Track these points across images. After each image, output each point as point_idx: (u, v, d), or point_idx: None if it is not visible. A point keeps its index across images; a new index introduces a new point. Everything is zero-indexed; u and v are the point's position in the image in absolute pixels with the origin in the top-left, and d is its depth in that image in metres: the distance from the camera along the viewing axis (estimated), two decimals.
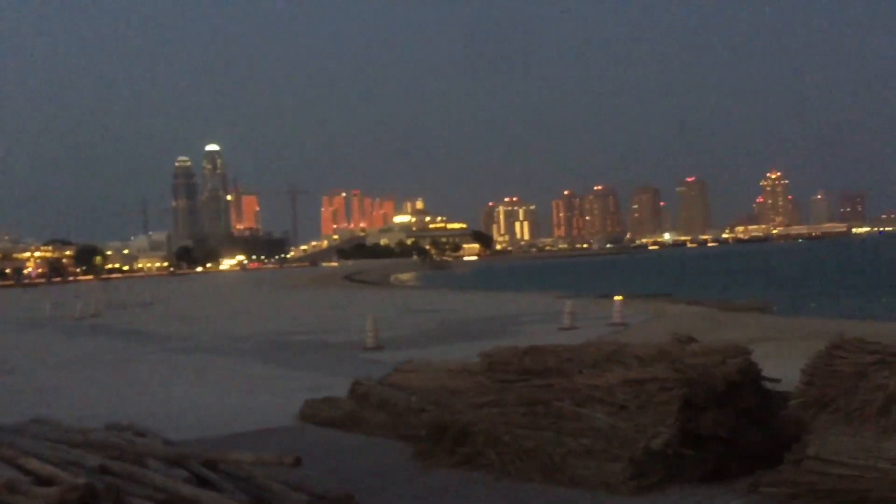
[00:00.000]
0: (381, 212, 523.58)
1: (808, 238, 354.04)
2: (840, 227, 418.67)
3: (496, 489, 7.38)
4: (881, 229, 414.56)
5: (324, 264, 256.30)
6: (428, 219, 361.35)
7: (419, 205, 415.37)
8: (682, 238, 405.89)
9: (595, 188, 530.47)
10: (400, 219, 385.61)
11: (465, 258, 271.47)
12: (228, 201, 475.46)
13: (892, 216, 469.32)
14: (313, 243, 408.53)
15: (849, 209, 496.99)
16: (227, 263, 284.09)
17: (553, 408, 7.97)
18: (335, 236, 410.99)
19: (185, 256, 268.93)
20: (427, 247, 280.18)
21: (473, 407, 8.61)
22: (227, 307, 46.60)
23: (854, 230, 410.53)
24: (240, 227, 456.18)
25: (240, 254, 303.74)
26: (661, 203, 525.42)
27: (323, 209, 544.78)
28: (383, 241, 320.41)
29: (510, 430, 7.94)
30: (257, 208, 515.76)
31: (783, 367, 8.58)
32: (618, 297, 26.77)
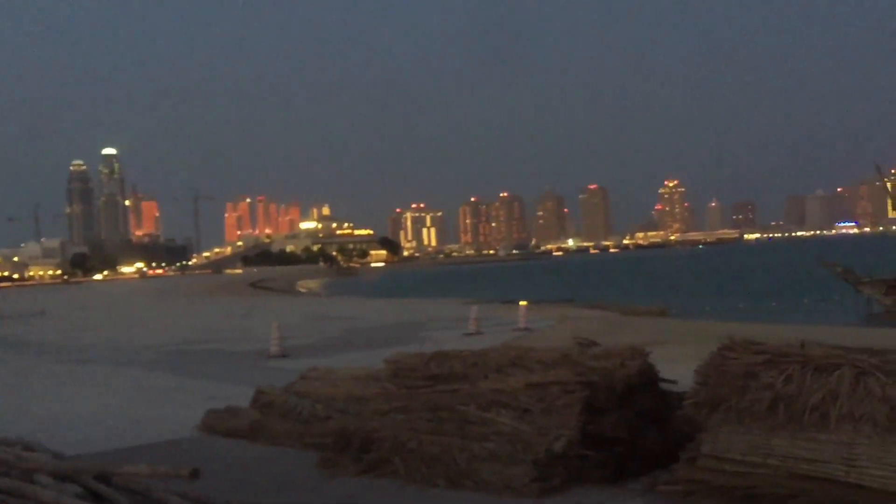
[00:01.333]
0: (287, 218, 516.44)
1: (707, 244, 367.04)
2: (733, 234, 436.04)
3: (402, 496, 7.38)
4: (770, 236, 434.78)
5: (227, 271, 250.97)
6: (335, 225, 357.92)
7: (326, 211, 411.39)
8: (586, 244, 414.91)
9: (501, 195, 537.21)
10: (306, 225, 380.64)
11: (373, 265, 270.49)
12: (127, 207, 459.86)
13: (780, 223, 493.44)
14: (217, 250, 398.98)
15: (740, 216, 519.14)
16: (126, 271, 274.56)
17: (458, 413, 8.03)
18: (239, 243, 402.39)
19: (81, 264, 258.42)
20: (334, 253, 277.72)
21: (379, 414, 8.59)
22: (126, 316, 45.07)
23: (745, 236, 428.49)
24: (139, 233, 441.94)
25: (139, 261, 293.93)
26: (565, 210, 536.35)
27: (227, 215, 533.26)
28: (289, 248, 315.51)
29: (416, 436, 7.95)
30: (157, 214, 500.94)
31: (679, 368, 8.86)
32: (522, 303, 27.22)
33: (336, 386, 10.58)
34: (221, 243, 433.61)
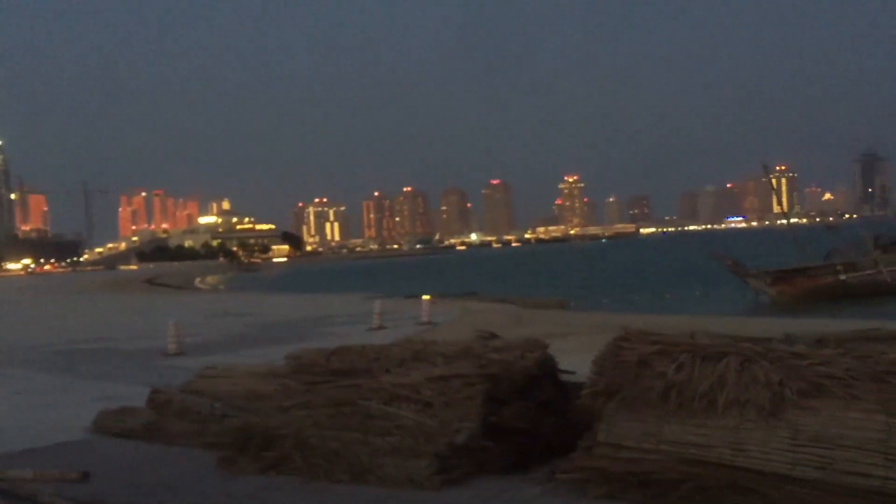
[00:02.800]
0: (185, 212, 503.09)
1: (609, 237, 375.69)
2: (629, 228, 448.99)
3: (303, 493, 7.30)
4: (664, 230, 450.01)
5: (122, 267, 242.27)
6: (235, 220, 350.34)
7: (226, 205, 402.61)
8: (488, 238, 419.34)
9: (405, 189, 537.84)
10: (205, 220, 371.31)
11: (275, 260, 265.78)
12: (12, 200, 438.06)
13: (674, 218, 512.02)
14: (110, 245, 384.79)
15: (637, 211, 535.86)
16: (11, 267, 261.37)
17: (360, 407, 8.00)
18: (134, 238, 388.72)
19: None
20: (234, 248, 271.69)
21: (280, 410, 8.47)
22: (11, 314, 42.93)
23: (642, 230, 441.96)
24: (26, 228, 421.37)
25: (27, 257, 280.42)
26: (468, 205, 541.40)
27: (121, 209, 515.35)
28: (187, 243, 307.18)
29: (317, 432, 7.88)
30: (46, 208, 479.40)
31: (578, 359, 9.06)
32: (426, 297, 27.26)
33: (235, 383, 10.38)
34: (115, 238, 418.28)
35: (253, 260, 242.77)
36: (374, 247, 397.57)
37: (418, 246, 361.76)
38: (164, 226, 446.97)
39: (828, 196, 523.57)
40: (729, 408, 6.53)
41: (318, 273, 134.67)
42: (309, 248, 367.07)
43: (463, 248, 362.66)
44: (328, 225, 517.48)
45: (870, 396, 6.13)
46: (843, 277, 37.08)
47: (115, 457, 8.97)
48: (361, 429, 7.74)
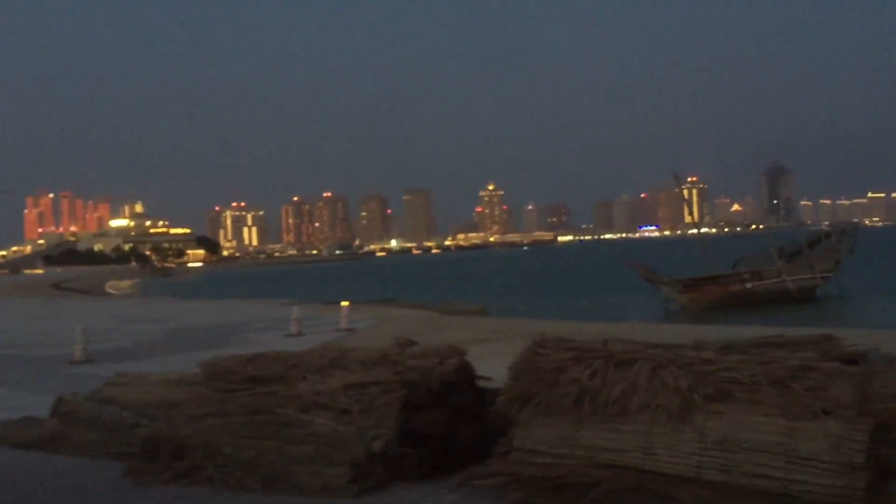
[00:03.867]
0: (96, 215, 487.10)
1: (528, 245, 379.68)
2: (548, 236, 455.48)
3: (214, 503, 7.14)
4: (581, 238, 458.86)
5: (27, 271, 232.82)
6: (149, 223, 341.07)
7: (139, 208, 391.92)
8: (409, 245, 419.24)
9: (324, 195, 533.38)
10: (117, 223, 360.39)
11: (190, 264, 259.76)
12: None
13: (590, 226, 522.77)
14: (14, 249, 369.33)
15: (555, 219, 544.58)
16: None
17: (276, 415, 7.89)
18: (41, 241, 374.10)
19: None
20: (147, 253, 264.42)
21: (193, 419, 8.29)
22: None
23: (559, 238, 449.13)
24: None
25: None
26: (388, 211, 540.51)
27: (26, 211, 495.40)
28: (98, 247, 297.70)
29: (231, 440, 7.73)
30: None
31: (495, 365, 9.14)
32: (345, 303, 27.08)
33: (147, 391, 10.10)
34: (20, 241, 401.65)
35: (167, 265, 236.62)
36: (292, 252, 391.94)
37: (338, 252, 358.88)
38: (73, 228, 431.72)
39: (736, 207, 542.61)
40: (640, 412, 6.68)
41: (235, 278, 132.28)
42: (226, 252, 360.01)
43: (383, 254, 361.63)
44: (246, 230, 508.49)
45: (771, 401, 6.36)
46: (748, 286, 38.48)
47: (16, 468, 8.61)
48: (277, 437, 7.64)
